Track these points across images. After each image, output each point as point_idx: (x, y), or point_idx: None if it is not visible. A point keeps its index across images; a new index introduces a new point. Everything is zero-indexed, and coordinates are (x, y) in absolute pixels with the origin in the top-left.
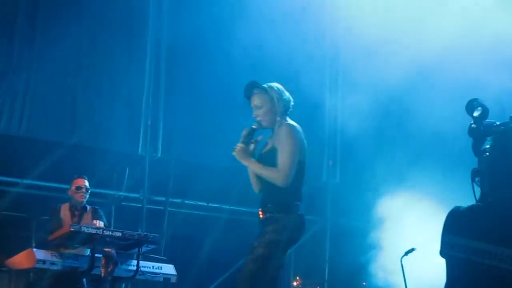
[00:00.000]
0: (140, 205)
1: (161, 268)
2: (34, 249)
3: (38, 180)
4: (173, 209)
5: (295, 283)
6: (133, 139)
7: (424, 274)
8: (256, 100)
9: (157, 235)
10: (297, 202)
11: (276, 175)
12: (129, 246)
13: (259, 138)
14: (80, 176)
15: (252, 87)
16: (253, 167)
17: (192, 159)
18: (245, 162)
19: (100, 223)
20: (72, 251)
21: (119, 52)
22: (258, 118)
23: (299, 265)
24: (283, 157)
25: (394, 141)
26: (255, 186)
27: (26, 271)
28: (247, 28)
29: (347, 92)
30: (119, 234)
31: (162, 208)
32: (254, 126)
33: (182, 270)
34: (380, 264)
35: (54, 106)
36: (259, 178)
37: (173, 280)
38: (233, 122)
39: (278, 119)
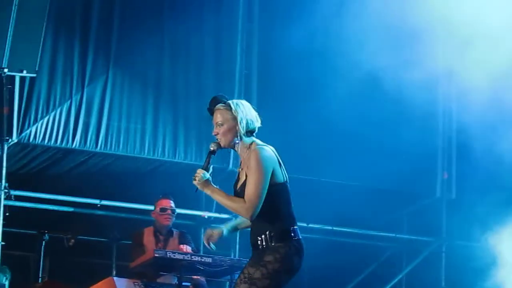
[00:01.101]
0: None
1: None
2: (115, 278)
3: (119, 201)
4: None
5: None
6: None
7: None
8: (218, 117)
9: None
10: (294, 227)
11: (240, 207)
12: (220, 273)
13: (238, 169)
14: (165, 196)
15: (216, 102)
16: (217, 197)
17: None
18: (207, 191)
19: (187, 248)
20: (157, 280)
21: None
22: (218, 137)
23: None
24: (250, 188)
25: None
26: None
27: None
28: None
29: (463, 95)
30: (209, 259)
31: None
32: (212, 148)
33: None
34: None
35: (133, 118)
36: None
37: None
38: None
39: (238, 141)
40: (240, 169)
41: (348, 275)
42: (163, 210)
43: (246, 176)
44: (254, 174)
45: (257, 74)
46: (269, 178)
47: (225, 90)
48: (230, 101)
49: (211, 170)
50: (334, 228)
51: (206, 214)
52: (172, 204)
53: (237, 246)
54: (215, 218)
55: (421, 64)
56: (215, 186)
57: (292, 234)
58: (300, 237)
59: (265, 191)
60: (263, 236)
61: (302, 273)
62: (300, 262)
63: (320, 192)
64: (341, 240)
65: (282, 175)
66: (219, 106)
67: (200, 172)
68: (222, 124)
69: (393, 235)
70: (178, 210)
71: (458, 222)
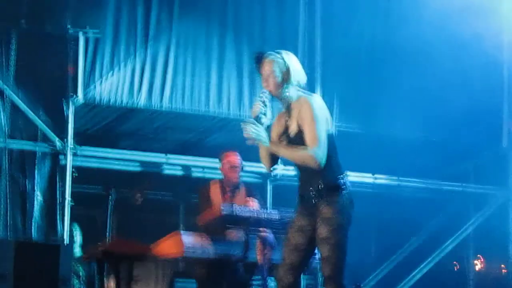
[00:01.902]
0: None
1: None
2: (182, 232)
3: (184, 155)
4: None
5: (477, 263)
6: None
7: None
8: (268, 67)
9: None
10: (345, 178)
11: (310, 158)
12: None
13: (279, 118)
14: (233, 151)
15: (263, 54)
16: (282, 152)
17: None
18: (273, 148)
19: (254, 202)
20: (225, 236)
21: None
22: (268, 88)
23: (480, 244)
24: (313, 137)
25: None
26: (267, 164)
27: (174, 260)
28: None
29: None
30: (276, 215)
31: None
32: (264, 99)
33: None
34: None
35: (197, 75)
36: (274, 156)
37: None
38: None
39: (289, 92)
40: (288, 119)
41: (414, 227)
42: (233, 167)
43: (297, 126)
44: (313, 122)
45: (321, 33)
46: (326, 126)
47: (288, 47)
48: (280, 52)
49: (263, 120)
50: (400, 178)
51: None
52: (240, 159)
53: None
54: (282, 174)
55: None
56: (276, 143)
57: (344, 186)
58: (350, 188)
59: (327, 139)
60: (315, 187)
61: (369, 226)
62: (353, 210)
63: (386, 145)
64: (409, 193)
65: (331, 126)
66: (269, 57)
67: (253, 127)
68: (274, 75)
69: (460, 187)
70: (246, 167)
71: None
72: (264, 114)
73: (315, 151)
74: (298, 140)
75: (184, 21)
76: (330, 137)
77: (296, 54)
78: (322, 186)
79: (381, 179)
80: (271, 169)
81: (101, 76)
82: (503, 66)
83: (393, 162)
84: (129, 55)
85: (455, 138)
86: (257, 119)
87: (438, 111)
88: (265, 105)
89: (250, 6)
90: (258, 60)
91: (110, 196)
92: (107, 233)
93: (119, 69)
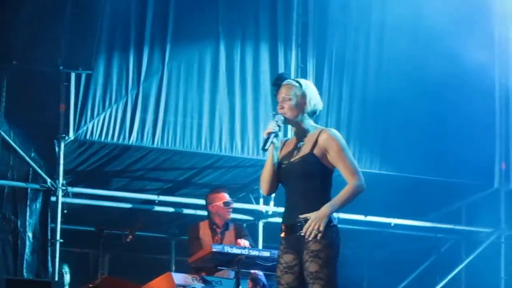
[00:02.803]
0: None
1: None
2: (173, 273)
3: (176, 196)
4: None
5: None
6: None
7: None
8: (286, 91)
9: None
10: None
11: (357, 187)
12: None
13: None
14: (223, 189)
15: (283, 78)
16: (338, 206)
17: None
18: (329, 211)
19: (245, 243)
20: (215, 275)
21: None
22: (283, 111)
23: (471, 284)
24: (349, 165)
25: None
26: (266, 187)
27: None
28: None
29: None
30: (267, 253)
31: None
32: (279, 120)
33: None
34: None
35: (189, 113)
36: (275, 180)
37: None
38: None
39: (302, 119)
40: (302, 145)
41: (407, 267)
42: (226, 204)
43: (311, 152)
44: (343, 151)
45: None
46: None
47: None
48: (299, 79)
49: (275, 140)
50: (393, 221)
51: (264, 208)
52: (230, 198)
53: None
54: (273, 211)
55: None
56: (324, 207)
57: (331, 219)
58: (337, 221)
59: (357, 163)
60: (303, 221)
61: (361, 265)
62: (340, 247)
63: (378, 184)
64: (399, 233)
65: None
66: (289, 81)
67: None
68: (290, 99)
69: (452, 226)
70: (237, 205)
71: None
72: (276, 136)
73: (358, 178)
74: (301, 163)
75: (176, 59)
76: (331, 173)
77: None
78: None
79: (373, 220)
80: (268, 192)
81: (92, 115)
82: (495, 104)
83: (385, 203)
84: (121, 93)
85: (447, 178)
86: (267, 139)
87: (431, 150)
88: (279, 127)
89: (243, 49)
90: (278, 83)
91: (101, 235)
92: (98, 272)
93: (111, 106)
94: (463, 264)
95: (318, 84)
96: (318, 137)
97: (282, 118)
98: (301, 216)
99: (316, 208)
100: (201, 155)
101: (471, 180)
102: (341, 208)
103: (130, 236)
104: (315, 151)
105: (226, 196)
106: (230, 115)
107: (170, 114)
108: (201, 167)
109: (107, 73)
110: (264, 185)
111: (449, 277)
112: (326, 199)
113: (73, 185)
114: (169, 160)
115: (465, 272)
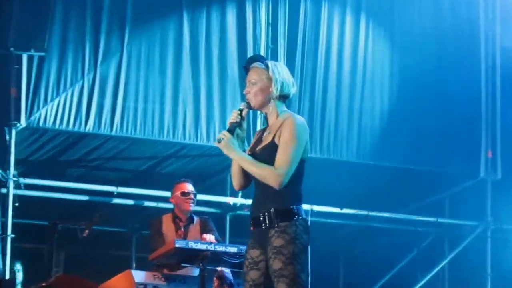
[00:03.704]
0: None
1: None
2: (133, 271)
3: (137, 187)
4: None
5: None
6: None
7: None
8: (252, 75)
9: None
10: (300, 205)
11: (269, 174)
12: None
13: (258, 132)
14: (184, 180)
15: (254, 60)
16: (243, 163)
17: None
18: (233, 155)
19: (211, 237)
20: (178, 272)
21: None
22: (248, 96)
23: (455, 281)
24: (282, 157)
25: None
26: (237, 181)
27: None
28: None
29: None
30: (234, 249)
31: None
32: (241, 107)
33: None
34: None
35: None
36: (248, 174)
37: None
38: None
39: (271, 104)
40: (267, 133)
41: (386, 263)
42: (184, 194)
43: (272, 141)
44: (290, 142)
45: (284, 50)
46: (302, 150)
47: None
48: (268, 61)
49: (238, 131)
50: (370, 213)
51: (231, 200)
52: (192, 188)
53: None
54: (242, 204)
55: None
56: (240, 150)
57: (297, 212)
58: (305, 216)
59: (297, 163)
60: (266, 214)
61: (337, 261)
62: (309, 239)
63: (354, 174)
64: (378, 226)
65: (307, 152)
66: (256, 64)
67: (226, 135)
68: (255, 83)
69: (435, 219)
70: (202, 197)
71: (504, 204)
72: (239, 126)
73: (280, 171)
74: (265, 154)
75: (136, 39)
76: (302, 163)
77: None
78: (273, 210)
79: (349, 212)
80: (239, 187)
81: (46, 100)
82: (481, 91)
83: (362, 194)
84: (77, 77)
85: (429, 167)
86: (231, 129)
87: (411, 137)
88: (241, 116)
89: (208, 25)
90: (247, 66)
91: (55, 230)
92: (52, 270)
93: (66, 91)
94: (446, 260)
95: (290, 66)
96: (281, 124)
97: (246, 104)
98: (261, 214)
99: (274, 203)
100: (163, 144)
101: (455, 169)
102: (243, 167)
103: (87, 231)
104: (276, 139)
105: (186, 186)
106: (195, 100)
107: (130, 99)
108: (164, 156)
109: (61, 55)
110: (234, 180)
111: (431, 274)
112: (293, 189)
113: (25, 176)
114: (128, 148)
115: (448, 269)
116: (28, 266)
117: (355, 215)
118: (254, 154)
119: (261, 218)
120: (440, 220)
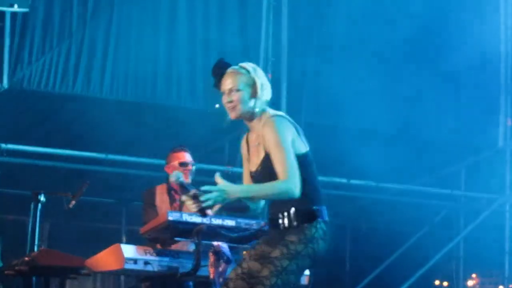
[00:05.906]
0: None
1: None
2: (122, 245)
3: (128, 155)
4: None
5: (471, 282)
6: None
7: None
8: (231, 82)
9: None
10: (322, 206)
11: (286, 187)
12: (245, 239)
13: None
14: (182, 148)
15: (225, 65)
16: (251, 194)
17: None
18: (238, 195)
19: (208, 211)
20: (172, 247)
21: None
22: (231, 105)
23: (472, 260)
24: (280, 165)
25: None
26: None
27: (114, 273)
28: None
29: None
30: (232, 223)
31: None
32: (194, 192)
33: None
34: None
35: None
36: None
37: (304, 281)
38: None
39: (256, 110)
40: (257, 144)
41: (396, 239)
42: (183, 164)
43: (265, 154)
44: (277, 148)
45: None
46: (291, 147)
47: (251, 26)
48: (244, 64)
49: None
50: (380, 184)
51: (230, 168)
52: (191, 158)
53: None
54: (241, 173)
55: None
56: (236, 186)
57: (320, 214)
58: (327, 219)
59: (296, 162)
60: (285, 214)
61: (344, 236)
62: (325, 249)
63: (364, 143)
64: (387, 199)
65: (303, 145)
66: (232, 69)
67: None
68: (238, 90)
69: (449, 191)
70: (199, 165)
71: None
72: (209, 206)
73: (287, 182)
74: (264, 172)
75: None
76: (303, 157)
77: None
78: (296, 213)
79: (357, 182)
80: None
81: (30, 61)
82: (501, 60)
83: (372, 164)
84: (64, 36)
85: (443, 136)
86: (202, 213)
87: (424, 107)
88: (197, 197)
89: None
90: (218, 72)
91: (38, 200)
92: (35, 243)
93: (52, 50)
94: (461, 236)
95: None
96: (262, 131)
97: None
98: (280, 215)
99: (293, 203)
100: (156, 106)
101: (471, 138)
102: (253, 198)
103: (73, 202)
104: (267, 150)
105: (184, 156)
106: (191, 62)
107: (121, 60)
108: (157, 122)
109: (47, 12)
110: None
111: (445, 251)
112: (311, 187)
113: (6, 142)
114: (119, 113)
115: (463, 245)
116: (9, 239)
117: (363, 187)
118: (256, 173)
119: (280, 220)
120: (455, 192)
